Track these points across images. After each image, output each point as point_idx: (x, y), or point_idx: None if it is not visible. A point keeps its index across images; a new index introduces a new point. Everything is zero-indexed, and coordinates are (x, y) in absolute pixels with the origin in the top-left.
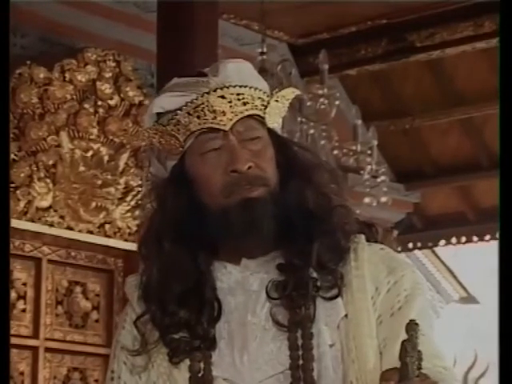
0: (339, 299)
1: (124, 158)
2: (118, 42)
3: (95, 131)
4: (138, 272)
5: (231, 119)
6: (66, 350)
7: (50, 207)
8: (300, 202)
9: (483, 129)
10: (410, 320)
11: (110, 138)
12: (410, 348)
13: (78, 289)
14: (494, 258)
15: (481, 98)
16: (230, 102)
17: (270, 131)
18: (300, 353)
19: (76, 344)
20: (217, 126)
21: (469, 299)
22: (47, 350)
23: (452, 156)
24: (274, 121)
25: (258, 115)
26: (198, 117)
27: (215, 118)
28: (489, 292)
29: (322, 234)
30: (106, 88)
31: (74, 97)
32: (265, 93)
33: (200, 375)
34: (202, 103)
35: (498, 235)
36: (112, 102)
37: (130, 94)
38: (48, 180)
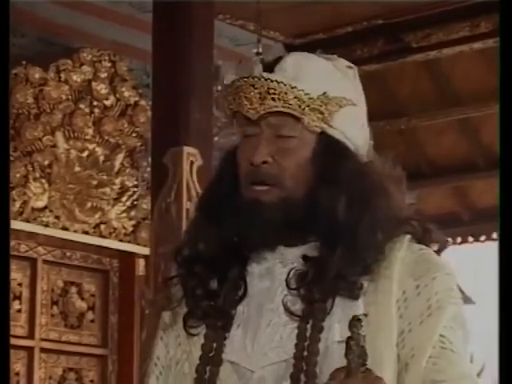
0: (360, 298)
1: (119, 159)
2: (114, 43)
3: (91, 131)
4: (133, 272)
5: (259, 111)
6: (61, 351)
7: (46, 207)
8: (331, 212)
9: (480, 129)
10: (353, 316)
11: (106, 138)
12: (353, 345)
13: (74, 289)
14: (490, 258)
15: (477, 98)
16: (260, 93)
17: (323, 136)
18: (306, 344)
19: (71, 344)
20: (245, 113)
21: (464, 299)
22: (42, 350)
23: (448, 156)
24: (316, 124)
25: (294, 115)
26: (234, 99)
27: (245, 104)
28: (484, 292)
29: (352, 233)
30: (101, 88)
31: (70, 97)
32: (307, 94)
33: (211, 355)
34: (240, 86)
35: (493, 236)
36: (107, 103)
37: (126, 94)
38: (43, 180)
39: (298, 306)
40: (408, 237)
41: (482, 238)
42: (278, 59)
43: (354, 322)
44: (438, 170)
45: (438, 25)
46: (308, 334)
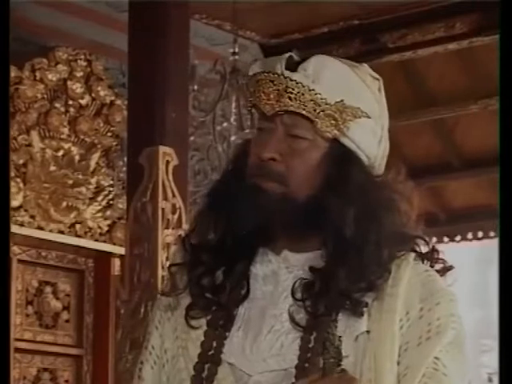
0: (364, 314)
1: (95, 158)
2: (90, 42)
3: (66, 131)
4: (108, 272)
5: (275, 107)
6: (35, 351)
7: (21, 207)
8: (337, 223)
9: (455, 130)
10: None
11: (81, 137)
12: (328, 345)
13: (49, 289)
14: (465, 258)
15: (452, 99)
16: (278, 90)
17: (335, 143)
18: (308, 355)
19: (46, 344)
20: (261, 108)
21: None
22: (17, 350)
23: (423, 157)
24: (329, 130)
25: (308, 117)
26: (254, 91)
27: (263, 99)
28: (459, 292)
29: (358, 249)
30: (77, 87)
31: (45, 96)
32: (323, 99)
33: (210, 353)
34: (260, 80)
35: (468, 236)
36: (83, 102)
37: (102, 93)
38: (18, 179)
39: (301, 315)
40: (413, 255)
41: (458, 238)
42: (304, 59)
43: (328, 323)
44: (413, 170)
45: (413, 25)
46: (311, 346)
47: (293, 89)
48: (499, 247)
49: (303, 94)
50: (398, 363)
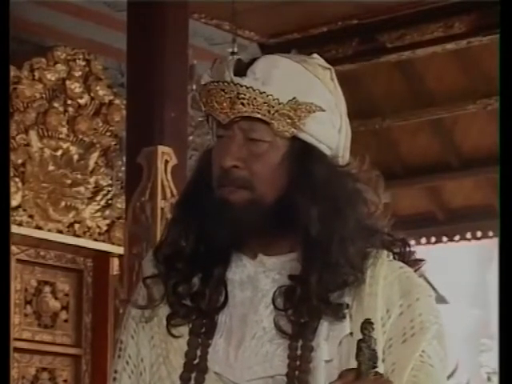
0: (346, 316)
1: (94, 158)
2: (88, 41)
3: (65, 130)
4: (107, 272)
5: (230, 115)
6: (34, 350)
7: (19, 206)
8: (303, 223)
9: (453, 129)
10: (365, 319)
11: (80, 137)
12: (364, 347)
13: (47, 288)
14: (464, 258)
15: (451, 98)
16: (230, 98)
17: (295, 140)
18: (298, 363)
19: (45, 344)
20: (216, 116)
21: (438, 299)
22: (16, 349)
23: (422, 156)
24: (286, 129)
25: (264, 120)
26: (207, 101)
27: (216, 108)
28: (458, 292)
29: (326, 247)
30: (75, 87)
31: (44, 96)
32: (276, 99)
33: (195, 362)
34: (211, 89)
35: (467, 235)
36: (82, 101)
37: (100, 93)
38: (17, 179)
39: (284, 323)
40: (386, 252)
41: (457, 237)
42: (252, 61)
43: (366, 325)
44: (412, 170)
45: (411, 25)
46: (299, 354)
47: (244, 94)
48: (499, 247)
49: (255, 98)
50: (383, 360)
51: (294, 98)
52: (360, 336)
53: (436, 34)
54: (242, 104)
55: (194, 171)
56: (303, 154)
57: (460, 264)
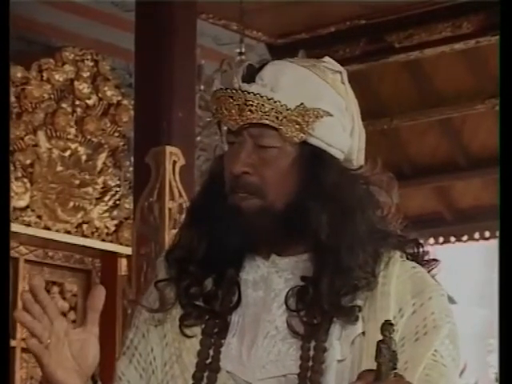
0: (359, 315)
1: (102, 158)
2: (96, 42)
3: (73, 131)
4: (115, 272)
5: (239, 122)
6: None
7: (28, 207)
8: (314, 227)
9: (461, 129)
10: (386, 320)
11: (88, 137)
12: (384, 349)
13: (56, 289)
14: (472, 258)
15: (459, 98)
16: (238, 105)
17: (304, 145)
18: (310, 364)
19: None
20: (225, 123)
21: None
22: (24, 350)
23: (430, 157)
24: (295, 135)
25: (273, 126)
26: (216, 109)
27: (226, 115)
28: (466, 292)
29: (337, 251)
30: (83, 87)
31: (52, 96)
32: (284, 105)
33: (208, 362)
34: (220, 97)
35: (475, 236)
36: (90, 102)
37: (108, 93)
38: (25, 180)
39: (296, 323)
40: (399, 253)
41: (465, 237)
42: (261, 67)
43: (386, 326)
44: (420, 170)
45: (420, 25)
46: (311, 355)
47: (252, 101)
48: (499, 247)
49: (263, 105)
50: None
51: (302, 104)
52: (373, 334)
53: (444, 34)
54: (250, 111)
55: (207, 176)
56: (313, 158)
57: (468, 264)
